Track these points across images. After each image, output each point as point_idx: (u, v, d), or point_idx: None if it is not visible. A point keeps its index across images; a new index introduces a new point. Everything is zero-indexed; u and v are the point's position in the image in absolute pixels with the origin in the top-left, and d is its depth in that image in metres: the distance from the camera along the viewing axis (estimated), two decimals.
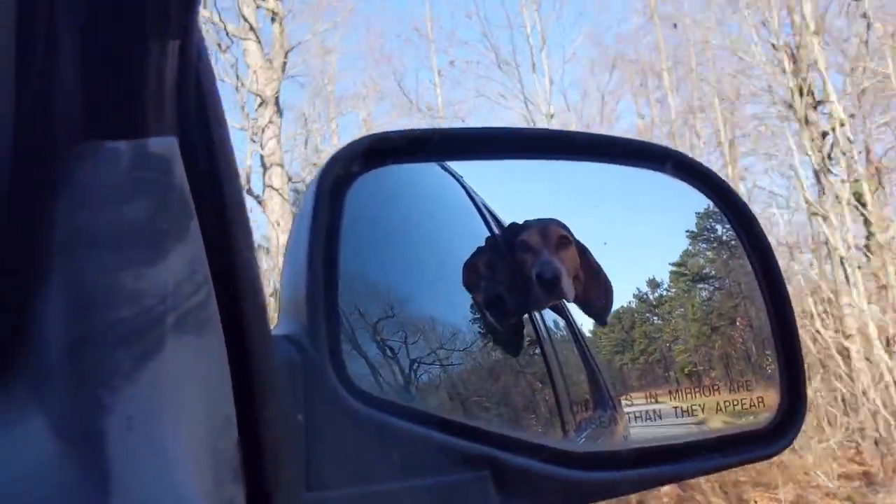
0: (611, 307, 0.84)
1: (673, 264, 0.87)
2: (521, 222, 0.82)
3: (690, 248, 0.89)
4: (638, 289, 0.86)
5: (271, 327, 0.48)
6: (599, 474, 0.68)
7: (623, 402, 0.85)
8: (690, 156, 0.91)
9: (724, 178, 0.86)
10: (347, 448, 0.58)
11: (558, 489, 0.66)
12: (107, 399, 0.33)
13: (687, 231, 0.88)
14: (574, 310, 0.88)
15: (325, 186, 0.64)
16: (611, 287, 0.83)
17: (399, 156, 0.72)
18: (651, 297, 0.86)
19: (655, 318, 0.88)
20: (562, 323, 0.94)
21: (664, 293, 0.87)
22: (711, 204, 0.85)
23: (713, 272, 0.91)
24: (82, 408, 0.32)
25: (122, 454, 0.32)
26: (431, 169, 0.83)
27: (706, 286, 0.92)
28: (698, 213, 0.87)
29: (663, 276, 0.87)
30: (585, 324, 0.90)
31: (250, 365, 0.41)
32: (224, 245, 0.40)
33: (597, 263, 0.82)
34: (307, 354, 0.58)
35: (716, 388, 0.83)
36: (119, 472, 0.31)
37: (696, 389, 0.82)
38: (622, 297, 0.84)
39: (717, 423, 0.81)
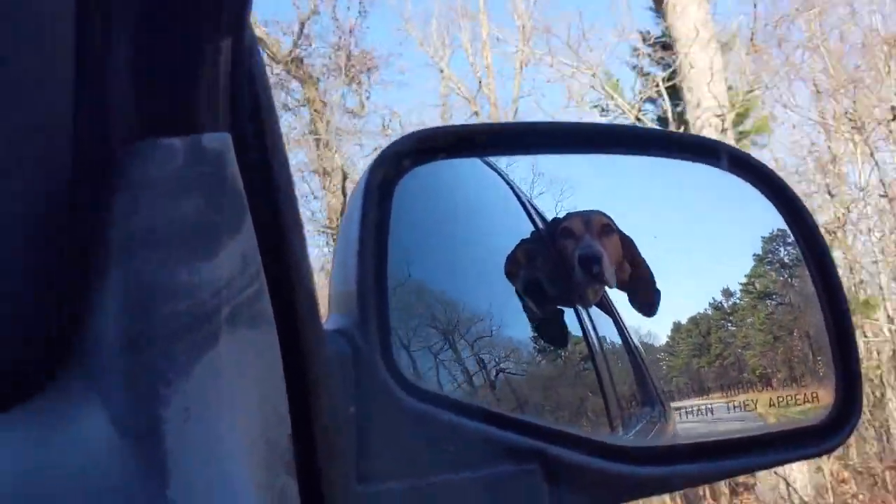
0: (658, 300, 0.83)
1: (741, 283, 0.90)
2: (563, 213, 0.82)
3: (756, 268, 0.90)
4: (713, 298, 0.88)
5: (323, 321, 0.49)
6: (651, 469, 0.68)
7: (695, 403, 0.85)
8: (743, 150, 0.89)
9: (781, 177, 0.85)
10: (397, 441, 0.59)
11: (608, 483, 0.66)
12: (163, 392, 0.33)
13: (753, 254, 0.89)
14: (620, 307, 0.87)
15: (375, 182, 0.65)
16: (653, 280, 0.82)
17: (446, 152, 0.72)
18: (725, 305, 0.89)
19: (729, 324, 0.91)
20: (609, 319, 0.93)
21: (737, 302, 0.89)
22: (770, 204, 0.83)
23: (775, 290, 0.92)
24: (140, 401, 0.33)
25: (179, 446, 0.32)
26: (478, 164, 0.83)
27: (770, 301, 0.93)
28: (764, 238, 0.87)
29: (721, 273, 0.88)
30: (633, 321, 0.89)
31: (302, 358, 0.41)
32: (276, 240, 0.41)
33: (641, 255, 0.81)
34: (358, 348, 0.58)
35: (782, 386, 0.84)
36: (176, 464, 0.32)
37: (766, 388, 0.83)
38: (689, 300, 0.85)
39: (780, 419, 0.81)
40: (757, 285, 0.91)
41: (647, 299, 0.84)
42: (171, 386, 0.33)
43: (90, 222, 0.36)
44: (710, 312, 0.88)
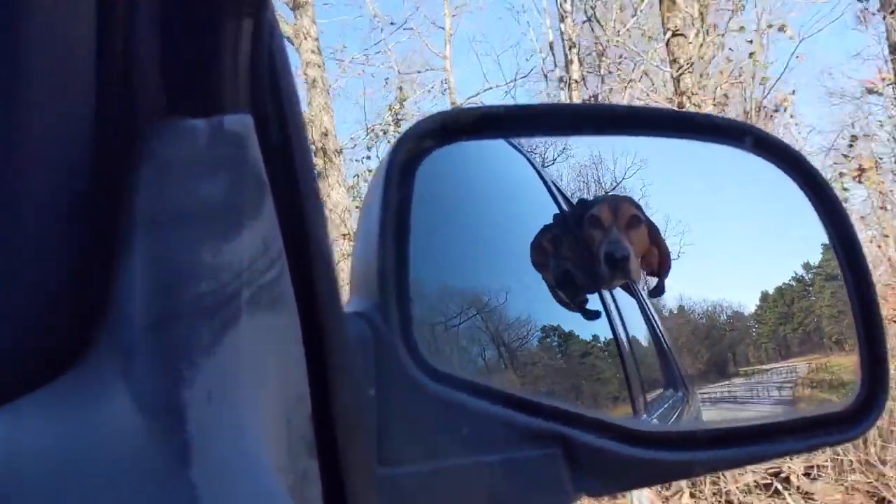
0: (664, 280, 0.84)
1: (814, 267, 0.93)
2: (590, 197, 0.82)
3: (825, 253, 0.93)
4: (795, 272, 0.94)
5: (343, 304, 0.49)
6: (673, 454, 0.67)
7: (748, 378, 0.86)
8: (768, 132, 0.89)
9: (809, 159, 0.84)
10: (418, 424, 0.59)
11: (631, 468, 0.66)
12: (187, 372, 0.33)
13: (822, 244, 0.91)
14: (645, 290, 0.87)
15: (397, 163, 0.64)
16: (669, 264, 0.82)
17: (470, 132, 0.72)
18: (806, 277, 0.94)
19: (812, 296, 0.96)
20: (633, 302, 0.93)
21: (813, 276, 0.94)
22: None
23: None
24: (164, 381, 0.33)
25: (202, 427, 0.32)
26: (501, 146, 0.82)
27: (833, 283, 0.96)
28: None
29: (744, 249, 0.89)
30: (659, 304, 0.89)
31: (323, 340, 0.41)
32: (296, 221, 0.41)
33: (665, 244, 0.81)
34: (379, 330, 0.58)
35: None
36: (198, 444, 0.32)
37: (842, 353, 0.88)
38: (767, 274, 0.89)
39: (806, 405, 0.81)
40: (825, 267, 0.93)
41: (659, 283, 0.84)
42: (194, 367, 0.33)
43: (114, 202, 0.36)
44: (793, 284, 0.93)
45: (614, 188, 0.83)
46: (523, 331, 0.76)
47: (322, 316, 0.41)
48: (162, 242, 0.35)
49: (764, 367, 0.92)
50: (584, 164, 0.86)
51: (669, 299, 0.90)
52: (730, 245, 0.89)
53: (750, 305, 0.93)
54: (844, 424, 0.76)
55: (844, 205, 0.86)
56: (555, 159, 0.86)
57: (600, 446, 0.64)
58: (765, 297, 0.92)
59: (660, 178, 0.86)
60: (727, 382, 0.89)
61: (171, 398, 0.33)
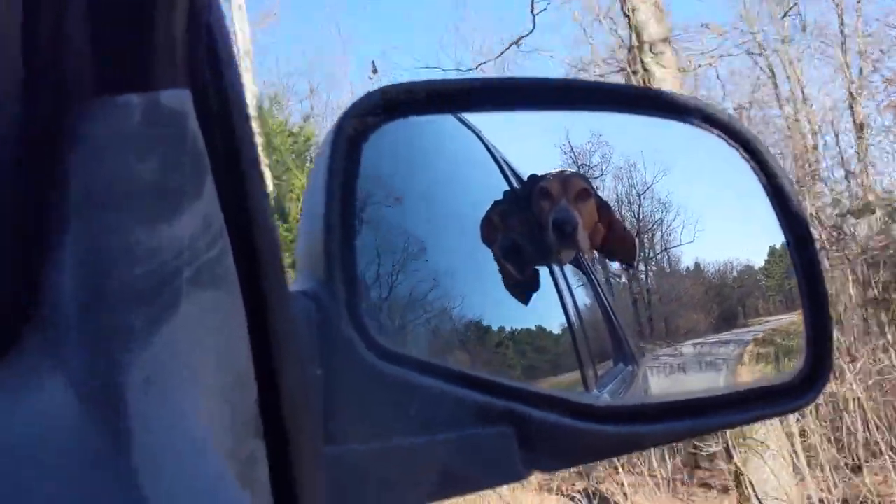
0: (636, 254, 0.85)
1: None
2: (540, 173, 0.82)
3: None
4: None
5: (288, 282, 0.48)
6: (624, 428, 0.68)
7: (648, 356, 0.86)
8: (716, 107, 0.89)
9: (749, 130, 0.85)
10: (366, 403, 0.58)
11: (583, 444, 0.66)
12: (123, 357, 0.32)
13: None
14: (594, 264, 0.87)
15: (343, 137, 0.63)
16: (632, 239, 0.83)
17: (418, 107, 0.71)
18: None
19: None
20: (583, 279, 0.93)
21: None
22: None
23: None
24: (99, 366, 0.32)
25: (141, 412, 0.31)
26: (451, 121, 0.82)
27: None
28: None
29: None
30: (606, 278, 0.89)
31: (267, 320, 0.40)
32: (239, 200, 0.40)
33: (616, 217, 0.82)
34: (324, 309, 0.58)
35: None
36: (138, 430, 0.31)
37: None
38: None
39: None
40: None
41: (625, 257, 0.85)
42: (131, 351, 0.33)
43: (45, 183, 0.35)
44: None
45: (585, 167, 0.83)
46: (473, 308, 0.76)
47: (266, 295, 0.41)
48: (95, 225, 0.34)
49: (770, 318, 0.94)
50: (534, 139, 0.86)
51: (686, 259, 0.92)
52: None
53: (758, 261, 0.95)
54: (790, 395, 0.78)
55: (786, 174, 0.86)
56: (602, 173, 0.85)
57: (551, 422, 0.64)
58: (772, 251, 0.93)
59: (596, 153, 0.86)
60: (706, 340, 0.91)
61: (108, 384, 0.32)
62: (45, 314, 0.33)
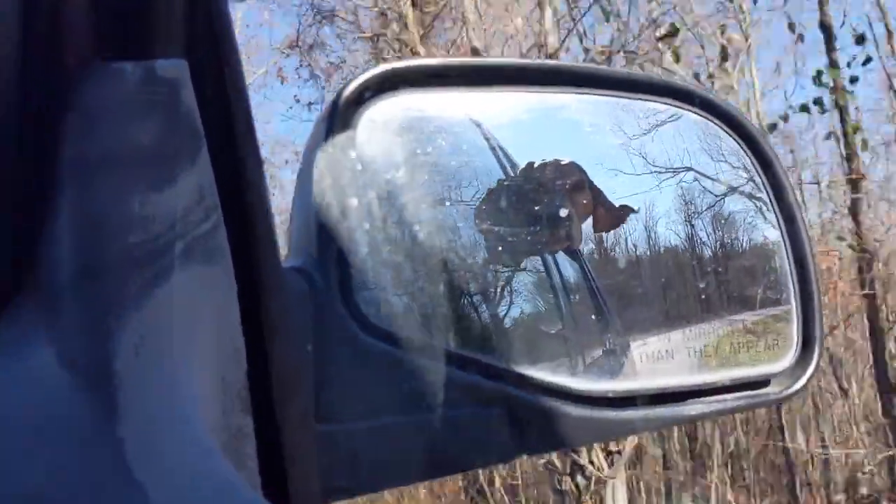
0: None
1: None
2: (536, 162, 0.82)
3: None
4: None
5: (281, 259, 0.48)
6: (615, 412, 0.68)
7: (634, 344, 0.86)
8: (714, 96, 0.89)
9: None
10: (358, 381, 0.58)
11: (571, 426, 0.66)
12: (113, 325, 0.32)
13: None
14: (585, 252, 0.88)
15: (338, 114, 0.63)
16: (620, 214, 0.83)
17: (414, 86, 0.71)
18: None
19: None
20: (575, 264, 0.93)
21: None
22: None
23: None
24: (89, 335, 0.32)
25: (129, 381, 0.31)
26: (446, 102, 0.81)
27: None
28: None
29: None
30: (596, 267, 0.90)
31: (259, 295, 0.40)
32: (233, 173, 0.40)
33: (612, 204, 0.82)
34: (317, 287, 0.57)
35: None
36: (126, 400, 0.31)
37: None
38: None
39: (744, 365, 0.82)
40: None
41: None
42: (121, 320, 0.32)
43: (39, 148, 0.35)
44: None
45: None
46: (466, 290, 0.76)
47: (259, 270, 0.41)
48: (89, 192, 0.34)
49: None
50: (531, 124, 0.86)
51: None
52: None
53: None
54: (782, 383, 0.78)
55: (779, 159, 0.86)
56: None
57: (542, 405, 0.64)
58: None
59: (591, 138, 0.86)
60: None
61: (97, 352, 0.31)
62: (37, 280, 0.33)
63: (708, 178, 0.90)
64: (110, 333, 0.32)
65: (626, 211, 0.83)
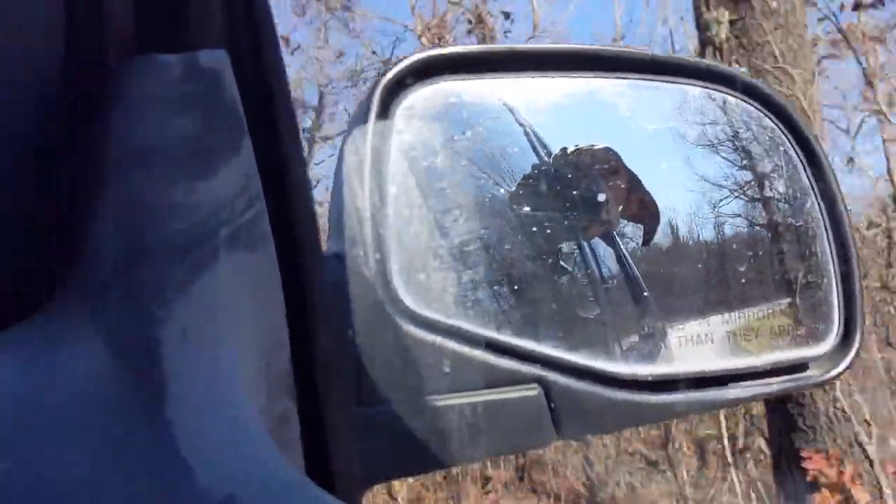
0: (654, 232, 0.84)
1: None
2: (571, 147, 0.81)
3: None
4: None
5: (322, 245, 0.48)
6: (653, 397, 0.68)
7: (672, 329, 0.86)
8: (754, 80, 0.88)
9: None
10: (396, 364, 0.59)
11: (609, 411, 0.66)
12: (160, 312, 0.32)
13: None
14: (622, 235, 0.87)
15: (377, 101, 0.63)
16: (657, 213, 0.83)
17: (453, 73, 0.71)
18: None
19: None
20: (610, 250, 0.93)
21: None
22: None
23: None
24: (136, 321, 0.32)
25: (176, 367, 0.32)
26: (483, 89, 0.81)
27: None
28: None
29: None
30: (632, 251, 0.89)
31: (301, 282, 0.41)
32: (275, 161, 0.40)
33: (646, 191, 0.81)
34: (357, 272, 0.58)
35: None
36: (173, 385, 0.31)
37: None
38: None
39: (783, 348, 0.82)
40: None
41: (647, 233, 0.85)
42: (167, 306, 0.33)
43: (85, 140, 0.36)
44: None
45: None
46: (501, 275, 0.76)
47: (301, 257, 0.41)
48: (133, 181, 0.35)
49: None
50: (566, 109, 0.86)
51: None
52: None
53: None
54: (822, 366, 0.77)
55: (819, 142, 0.85)
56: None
57: (579, 389, 0.64)
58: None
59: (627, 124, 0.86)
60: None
61: (143, 338, 0.32)
62: (82, 268, 0.34)
63: (748, 160, 0.89)
64: (157, 320, 0.32)
65: (655, 211, 0.82)
